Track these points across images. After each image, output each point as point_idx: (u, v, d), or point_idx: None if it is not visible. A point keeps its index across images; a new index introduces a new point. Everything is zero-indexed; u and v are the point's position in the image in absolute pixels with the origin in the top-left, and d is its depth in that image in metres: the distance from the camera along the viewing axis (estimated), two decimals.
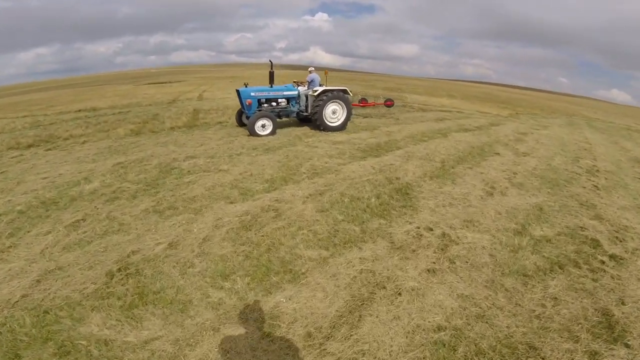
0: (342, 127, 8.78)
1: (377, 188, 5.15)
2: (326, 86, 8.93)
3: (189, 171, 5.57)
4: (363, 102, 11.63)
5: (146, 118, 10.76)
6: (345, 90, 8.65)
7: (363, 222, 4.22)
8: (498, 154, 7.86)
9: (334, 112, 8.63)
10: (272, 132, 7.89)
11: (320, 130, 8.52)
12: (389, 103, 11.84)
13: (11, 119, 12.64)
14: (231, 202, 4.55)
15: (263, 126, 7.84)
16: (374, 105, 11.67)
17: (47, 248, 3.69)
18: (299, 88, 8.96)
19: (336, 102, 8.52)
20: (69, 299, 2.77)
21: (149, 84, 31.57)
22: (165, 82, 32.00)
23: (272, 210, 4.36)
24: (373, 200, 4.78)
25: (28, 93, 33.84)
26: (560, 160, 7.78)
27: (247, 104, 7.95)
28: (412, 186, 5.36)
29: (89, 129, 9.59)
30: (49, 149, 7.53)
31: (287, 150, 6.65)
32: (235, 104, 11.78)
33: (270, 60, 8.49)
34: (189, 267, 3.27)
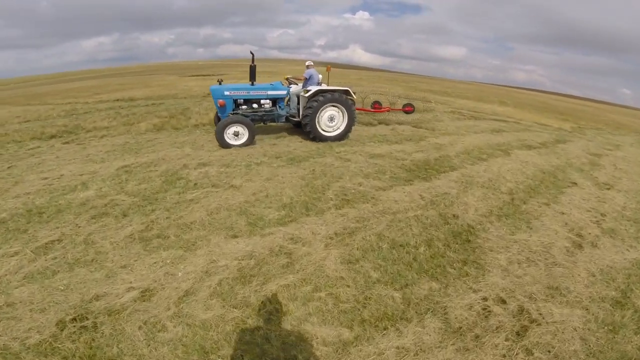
0: (340, 138, 6.92)
1: (428, 230, 3.82)
2: (327, 85, 7.13)
3: (195, 184, 4.59)
4: (376, 106, 9.10)
5: (174, 112, 10.11)
6: (348, 91, 6.72)
7: (407, 284, 2.98)
8: (575, 184, 6.11)
9: (331, 119, 6.72)
10: (248, 142, 6.18)
11: (313, 140, 6.71)
12: (408, 109, 9.34)
13: (53, 106, 12.74)
14: (234, 236, 3.47)
15: (236, 134, 6.11)
16: (388, 110, 9.21)
17: (6, 275, 2.91)
18: (292, 87, 7.14)
19: (334, 105, 6.62)
20: (6, 348, 2.18)
21: (193, 75, 31.94)
22: (208, 75, 32.16)
23: (284, 254, 3.22)
24: (422, 249, 3.47)
25: (83, 80, 35.79)
26: None
27: (219, 105, 6.25)
28: (476, 229, 3.96)
29: (115, 121, 9.09)
30: (67, 142, 7.01)
31: (314, 163, 5.47)
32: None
33: (251, 52, 6.58)
34: (159, 331, 2.36)
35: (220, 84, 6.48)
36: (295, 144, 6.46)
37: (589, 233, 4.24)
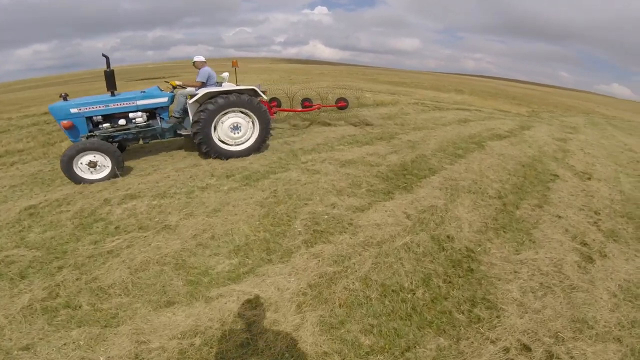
0: (250, 152, 5.33)
1: (423, 263, 3.01)
2: (235, 85, 5.61)
3: (117, 227, 3.40)
4: (306, 104, 7.82)
5: None
6: (255, 90, 5.16)
7: (408, 347, 2.21)
8: (557, 176, 5.72)
9: (235, 128, 5.12)
10: (112, 175, 4.50)
11: (212, 157, 5.15)
12: (341, 104, 8.11)
13: None
14: (169, 303, 2.44)
15: (92, 165, 4.40)
16: (319, 108, 7.80)
17: None
18: (180, 91, 5.25)
19: (238, 111, 5.06)
20: None
21: (141, 79, 29.10)
22: (158, 78, 29.49)
23: (241, 327, 2.25)
24: (420, 292, 2.67)
25: (20, 90, 31.49)
26: (629, 184, 5.73)
27: (64, 127, 4.54)
28: (476, 253, 3.23)
29: (33, 142, 7.35)
30: None
31: (276, 181, 4.44)
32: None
33: (103, 55, 4.67)
34: None
35: (64, 99, 4.68)
36: (251, 157, 5.36)
37: (593, 240, 3.71)
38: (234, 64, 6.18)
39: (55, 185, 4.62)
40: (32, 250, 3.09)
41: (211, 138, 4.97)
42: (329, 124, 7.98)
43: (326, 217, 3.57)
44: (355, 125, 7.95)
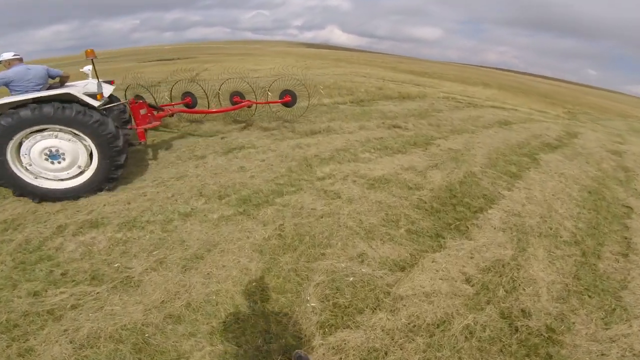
0: (89, 190, 3.41)
1: (489, 354, 1.90)
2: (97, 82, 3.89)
3: (64, 273, 2.44)
4: (236, 99, 5.90)
5: None
6: (71, 94, 3.21)
7: None
8: (631, 208, 4.48)
9: (51, 156, 3.27)
10: None
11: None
12: (287, 99, 5.88)
13: None
14: None
15: None
16: (249, 105, 5.83)
17: None
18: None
19: (54, 131, 3.21)
20: None
21: (154, 60, 28.10)
22: (171, 59, 28.40)
23: None
24: None
25: None
26: None
27: None
28: (557, 332, 2.31)
29: None
30: None
31: (283, 208, 3.28)
32: (226, 88, 8.56)
33: None
34: None
35: None
36: (254, 167, 4.23)
37: None
38: (89, 53, 3.85)
39: (10, 197, 3.64)
40: None
41: (8, 169, 3.15)
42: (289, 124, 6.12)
43: (351, 279, 2.45)
44: (388, 128, 6.50)
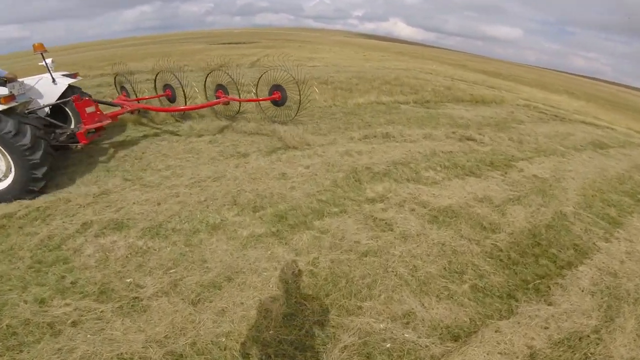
0: (10, 196, 3.05)
1: None
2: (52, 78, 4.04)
3: (73, 282, 2.23)
4: (219, 94, 5.32)
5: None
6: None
7: None
8: None
9: None
10: None
11: None
12: (275, 95, 5.13)
13: None
14: None
15: None
16: (227, 102, 5.36)
17: None
18: None
19: None
20: None
21: (223, 43, 29.24)
22: (239, 43, 29.30)
23: None
24: None
25: (120, 47, 34.39)
26: None
27: None
28: None
29: None
30: None
31: (320, 235, 2.77)
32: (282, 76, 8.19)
33: None
34: None
35: None
36: (299, 169, 3.74)
37: None
38: (37, 47, 3.93)
39: (53, 182, 3.66)
40: None
41: None
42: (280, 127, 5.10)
43: (389, 345, 1.85)
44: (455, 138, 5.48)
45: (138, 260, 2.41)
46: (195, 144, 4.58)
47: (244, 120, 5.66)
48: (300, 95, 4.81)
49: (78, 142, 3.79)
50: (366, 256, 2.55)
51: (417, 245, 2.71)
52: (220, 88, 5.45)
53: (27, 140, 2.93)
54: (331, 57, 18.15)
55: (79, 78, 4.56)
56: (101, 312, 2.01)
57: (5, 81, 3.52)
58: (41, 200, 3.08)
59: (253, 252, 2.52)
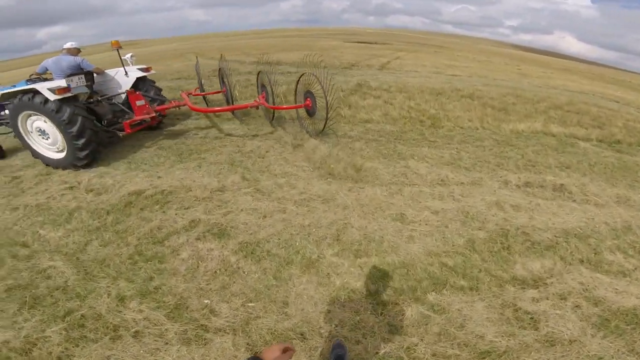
0: (68, 165, 3.83)
1: None
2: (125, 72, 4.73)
3: (156, 289, 2.10)
4: (262, 96, 4.82)
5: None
6: (32, 89, 3.58)
7: None
8: None
9: (43, 133, 3.88)
10: None
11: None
12: (308, 103, 4.36)
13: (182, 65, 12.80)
14: None
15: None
16: (256, 105, 4.59)
17: None
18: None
19: (40, 115, 3.73)
20: None
21: (355, 42, 29.68)
22: (370, 43, 29.20)
23: None
24: None
25: (269, 38, 39.05)
26: None
27: None
28: None
29: None
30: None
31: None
32: (417, 83, 7.33)
33: None
34: None
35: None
36: (424, 213, 2.93)
37: None
38: (114, 44, 4.51)
39: (184, 161, 3.93)
40: (70, 268, 2.32)
41: (22, 138, 4.00)
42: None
43: None
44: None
45: (223, 280, 2.16)
46: (315, 153, 4.26)
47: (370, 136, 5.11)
48: (327, 104, 4.05)
49: (121, 133, 4.39)
50: (484, 359, 1.62)
51: (563, 356, 1.60)
52: (264, 89, 5.08)
53: (75, 128, 3.66)
54: (476, 67, 15.78)
55: (152, 72, 5.13)
56: (165, 330, 1.83)
57: (92, 74, 4.54)
58: (167, 183, 3.27)
59: (339, 311, 1.94)
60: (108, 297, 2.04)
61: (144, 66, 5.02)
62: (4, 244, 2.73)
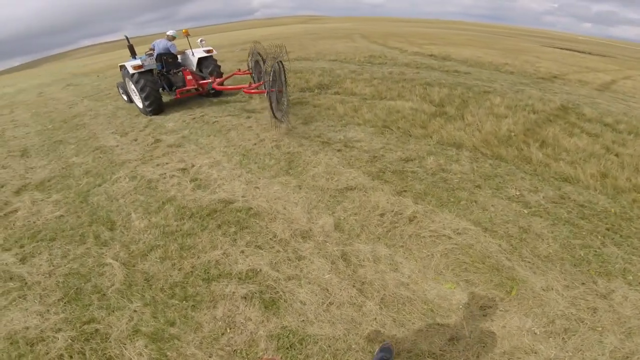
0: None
1: None
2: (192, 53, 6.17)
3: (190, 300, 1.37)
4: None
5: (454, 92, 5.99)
6: (122, 65, 5.83)
7: None
8: None
9: (134, 92, 5.95)
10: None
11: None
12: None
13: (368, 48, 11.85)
14: None
15: None
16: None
17: None
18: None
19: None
20: None
21: (559, 48, 22.99)
22: (580, 52, 21.94)
23: None
24: None
25: (444, 29, 35.31)
26: None
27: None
28: None
29: (369, 88, 6.48)
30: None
31: None
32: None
33: (125, 37, 6.37)
34: None
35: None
36: None
37: None
38: (184, 33, 5.86)
39: (290, 173, 3.20)
40: (122, 273, 2.26)
41: (130, 97, 6.39)
42: None
43: None
44: None
45: None
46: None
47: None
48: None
49: (175, 96, 5.90)
50: None
51: None
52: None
53: (144, 93, 5.41)
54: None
55: (215, 52, 6.21)
56: None
57: (176, 55, 6.03)
58: (258, 200, 2.63)
59: None
60: (126, 324, 1.94)
61: (208, 48, 6.19)
62: (97, 220, 2.92)
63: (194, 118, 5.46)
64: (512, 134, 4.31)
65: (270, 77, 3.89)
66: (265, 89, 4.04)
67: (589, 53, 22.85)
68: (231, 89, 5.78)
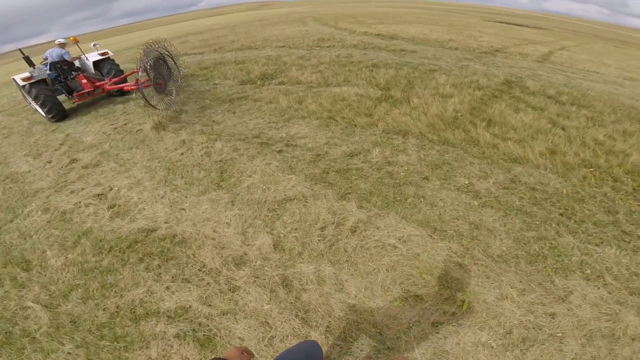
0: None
1: None
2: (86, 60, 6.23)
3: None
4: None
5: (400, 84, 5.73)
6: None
7: None
8: None
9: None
10: None
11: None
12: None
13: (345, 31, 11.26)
14: None
15: None
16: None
17: None
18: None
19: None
20: None
21: (499, 22, 23.86)
22: (518, 25, 22.97)
23: None
24: None
25: (388, 8, 35.25)
26: None
27: None
28: None
29: (314, 75, 6.05)
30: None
31: None
32: (606, 93, 4.54)
33: (20, 51, 6.21)
34: None
35: None
36: None
37: None
38: (73, 40, 5.89)
39: (222, 187, 2.70)
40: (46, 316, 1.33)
41: (33, 106, 6.11)
42: None
43: None
44: None
45: None
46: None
47: None
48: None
49: (74, 100, 5.85)
50: None
51: None
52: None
53: (39, 101, 5.27)
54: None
55: (111, 54, 6.32)
56: None
57: (71, 61, 6.01)
58: (184, 225, 2.15)
59: None
60: None
61: (103, 51, 6.31)
62: (11, 261, 2.57)
63: (116, 128, 4.72)
64: (459, 114, 4.13)
65: (148, 70, 4.13)
66: (139, 84, 4.19)
67: (527, 26, 24.02)
68: (128, 88, 5.22)
